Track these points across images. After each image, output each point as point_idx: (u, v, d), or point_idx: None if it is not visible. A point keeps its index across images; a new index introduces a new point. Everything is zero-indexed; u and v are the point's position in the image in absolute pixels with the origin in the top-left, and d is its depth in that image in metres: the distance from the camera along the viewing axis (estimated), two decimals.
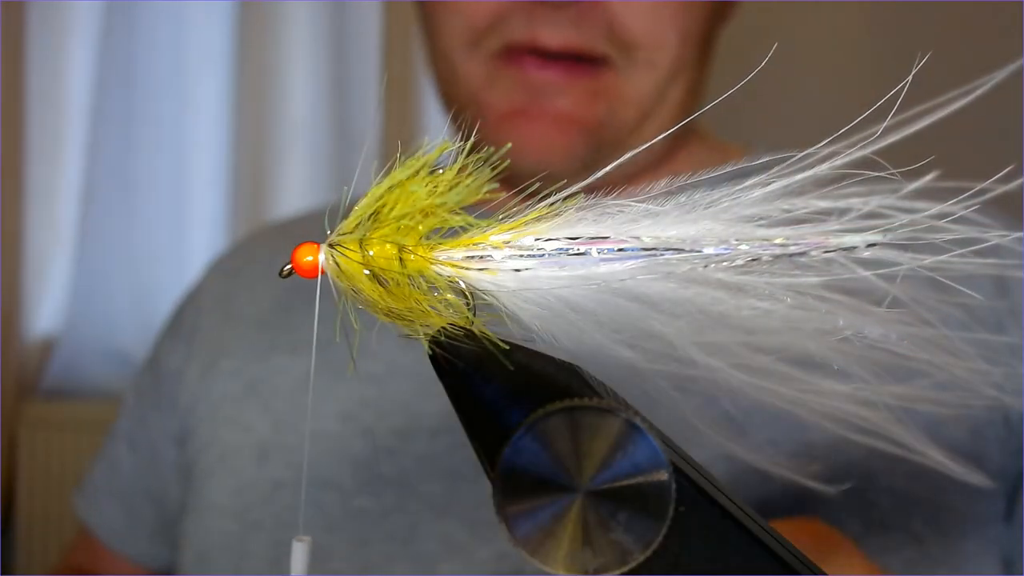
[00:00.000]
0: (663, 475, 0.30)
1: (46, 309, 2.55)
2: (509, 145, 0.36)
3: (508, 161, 0.37)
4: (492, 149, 0.37)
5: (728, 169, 0.38)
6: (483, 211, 0.38)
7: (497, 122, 0.79)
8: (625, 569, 0.30)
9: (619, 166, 0.38)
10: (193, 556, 0.83)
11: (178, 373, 0.91)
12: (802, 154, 0.37)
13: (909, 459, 0.37)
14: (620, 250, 0.36)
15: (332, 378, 0.80)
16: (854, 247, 0.36)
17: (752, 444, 0.40)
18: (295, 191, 2.44)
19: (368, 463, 0.78)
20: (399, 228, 0.37)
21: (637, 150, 0.40)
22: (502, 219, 0.37)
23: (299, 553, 0.39)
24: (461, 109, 0.81)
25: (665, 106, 0.80)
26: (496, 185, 0.37)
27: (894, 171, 0.36)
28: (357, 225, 0.37)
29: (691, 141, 0.86)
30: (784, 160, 0.37)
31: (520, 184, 0.37)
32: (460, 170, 0.37)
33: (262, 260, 0.95)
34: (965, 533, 0.71)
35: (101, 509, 0.97)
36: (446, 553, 0.74)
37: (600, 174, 0.39)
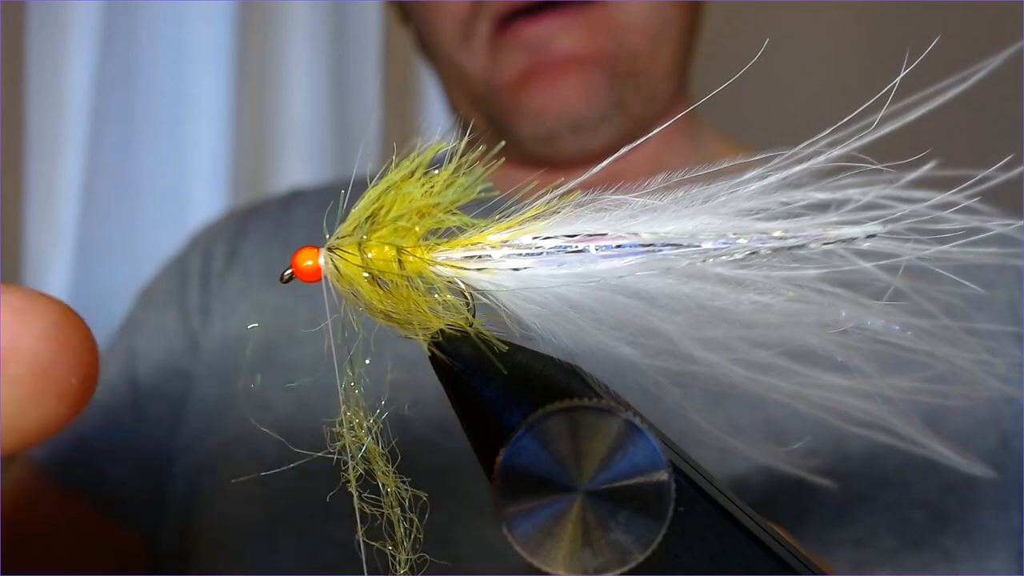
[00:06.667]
0: (663, 475, 0.30)
1: None
2: (504, 144, 0.36)
3: (503, 143, 0.37)
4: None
5: (726, 164, 0.38)
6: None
7: (512, 94, 0.79)
8: (625, 569, 0.30)
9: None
10: (213, 546, 0.79)
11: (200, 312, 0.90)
12: (800, 146, 0.36)
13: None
14: (618, 246, 0.36)
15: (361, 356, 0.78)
16: (853, 238, 0.35)
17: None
18: None
19: (404, 454, 0.76)
20: (396, 230, 0.37)
21: (645, 138, 0.40)
22: (499, 218, 0.37)
23: None
24: (475, 103, 0.82)
25: (672, 27, 0.80)
26: (503, 161, 0.37)
27: (890, 165, 0.36)
28: (355, 228, 0.37)
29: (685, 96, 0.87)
30: (782, 153, 0.36)
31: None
32: (455, 169, 0.37)
33: (275, 218, 0.95)
34: (992, 552, 0.71)
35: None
36: (480, 555, 0.72)
37: (628, 149, 0.38)
